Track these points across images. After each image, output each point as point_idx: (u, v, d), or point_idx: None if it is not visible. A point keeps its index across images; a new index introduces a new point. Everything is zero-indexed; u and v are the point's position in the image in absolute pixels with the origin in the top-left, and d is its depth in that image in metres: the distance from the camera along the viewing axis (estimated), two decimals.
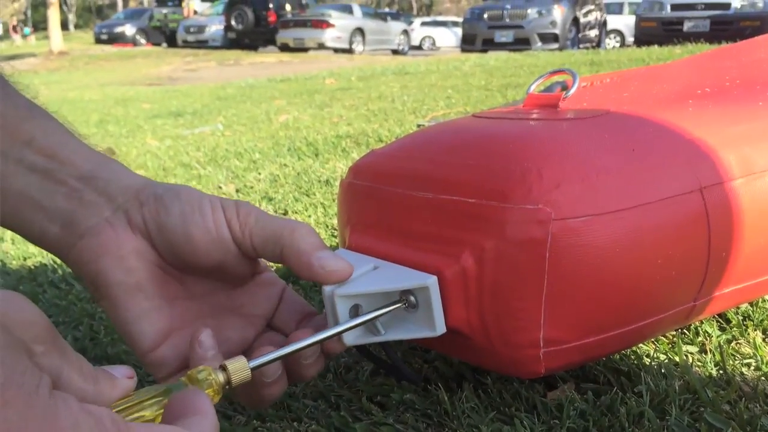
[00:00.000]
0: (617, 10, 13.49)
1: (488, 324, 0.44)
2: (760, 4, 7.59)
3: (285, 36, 12.11)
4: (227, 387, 0.36)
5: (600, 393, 0.50)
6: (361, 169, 0.52)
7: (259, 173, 1.57)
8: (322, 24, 11.83)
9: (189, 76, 8.01)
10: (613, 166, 0.45)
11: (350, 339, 0.44)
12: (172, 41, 15.10)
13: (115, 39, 16.38)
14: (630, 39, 11.66)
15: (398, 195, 0.48)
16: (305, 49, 11.83)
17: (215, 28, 13.79)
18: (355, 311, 0.44)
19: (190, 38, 14.02)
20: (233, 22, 13.18)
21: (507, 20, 8.94)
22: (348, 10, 12.71)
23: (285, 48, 12.07)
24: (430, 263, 0.45)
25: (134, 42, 16.23)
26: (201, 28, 14.02)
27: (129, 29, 16.69)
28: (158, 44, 15.76)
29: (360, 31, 12.34)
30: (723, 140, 0.50)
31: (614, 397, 0.49)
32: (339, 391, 0.56)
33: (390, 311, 0.43)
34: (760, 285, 0.54)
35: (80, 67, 10.49)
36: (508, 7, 8.97)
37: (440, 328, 0.43)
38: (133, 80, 7.46)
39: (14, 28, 21.22)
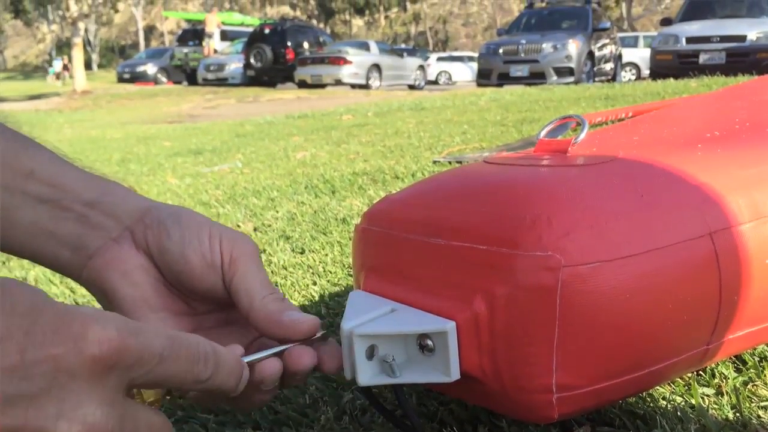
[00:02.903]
0: (632, 43, 13.56)
1: (501, 369, 0.45)
2: None
3: (303, 73, 12.30)
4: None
5: None
6: (375, 215, 0.54)
7: (277, 211, 1.59)
8: (339, 61, 12.01)
9: (209, 113, 8.14)
10: (622, 212, 0.46)
11: (365, 379, 0.44)
12: (192, 79, 15.40)
13: (137, 78, 16.74)
14: (645, 72, 11.69)
15: (411, 241, 0.49)
16: (323, 86, 11.99)
17: (235, 66, 14.04)
18: (370, 352, 0.45)
19: (210, 76, 14.27)
20: (252, 60, 13.42)
21: (522, 55, 9.01)
22: (365, 47, 12.90)
23: (303, 84, 12.25)
24: (443, 309, 0.46)
25: (156, 81, 16.57)
26: (221, 66, 14.28)
27: (151, 68, 17.06)
28: (179, 82, 16.08)
29: (377, 67, 12.50)
30: (732, 184, 0.51)
31: None
32: None
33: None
34: None
35: (103, 106, 10.70)
36: (524, 42, 9.05)
37: (455, 374, 0.44)
38: (154, 118, 7.59)
39: (65, 67, 21.50)
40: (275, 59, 13.27)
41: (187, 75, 16.10)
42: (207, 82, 14.21)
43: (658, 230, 0.46)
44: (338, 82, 11.95)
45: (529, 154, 0.59)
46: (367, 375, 0.45)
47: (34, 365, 0.28)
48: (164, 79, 16.77)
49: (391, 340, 0.45)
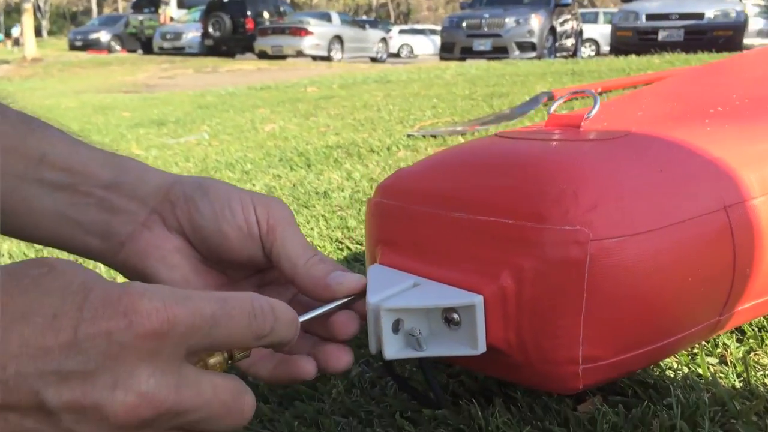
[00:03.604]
0: (592, 19, 13.69)
1: (527, 342, 0.45)
2: (733, 14, 7.75)
3: (263, 43, 12.09)
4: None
5: (630, 406, 0.51)
6: (390, 188, 0.53)
7: (254, 184, 1.57)
8: (300, 31, 11.83)
9: (166, 83, 7.96)
10: (643, 186, 0.46)
11: (391, 352, 0.44)
12: (148, 48, 15.00)
13: (89, 46, 16.22)
14: (605, 48, 11.83)
15: (432, 215, 0.49)
16: (283, 57, 11.81)
17: (192, 35, 13.73)
18: (395, 326, 0.45)
19: (167, 45, 13.93)
20: (210, 29, 13.13)
21: (485, 29, 9.02)
22: (326, 17, 12.73)
23: (263, 55, 12.05)
24: (468, 282, 0.45)
25: (109, 49, 16.09)
26: (177, 35, 13.94)
27: (104, 36, 16.55)
28: (134, 51, 15.63)
29: (338, 38, 12.36)
30: (743, 160, 0.52)
31: (645, 410, 0.50)
32: (367, 407, 0.57)
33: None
34: None
35: (54, 75, 10.35)
36: (486, 15, 9.06)
37: (482, 347, 0.44)
38: (109, 87, 7.38)
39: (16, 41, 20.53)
40: (234, 29, 13.01)
41: (142, 43, 15.66)
42: (163, 51, 13.86)
43: (677, 204, 0.47)
44: (299, 54, 11.79)
45: (541, 129, 0.59)
46: (393, 349, 0.44)
47: (87, 340, 0.28)
48: (118, 47, 16.28)
49: (416, 314, 0.45)
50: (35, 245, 1.13)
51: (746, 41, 8.11)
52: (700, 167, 0.50)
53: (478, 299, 0.44)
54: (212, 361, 0.34)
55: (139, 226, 0.42)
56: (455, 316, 0.45)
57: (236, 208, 0.42)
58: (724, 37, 7.45)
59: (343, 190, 1.35)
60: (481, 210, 0.46)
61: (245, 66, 10.38)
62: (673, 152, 0.51)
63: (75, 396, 0.28)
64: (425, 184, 0.51)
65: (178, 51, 13.71)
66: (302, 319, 0.40)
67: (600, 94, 2.36)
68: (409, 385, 0.54)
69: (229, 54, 12.96)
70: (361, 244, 1.01)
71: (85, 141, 0.44)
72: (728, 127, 0.57)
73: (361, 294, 0.44)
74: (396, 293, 0.46)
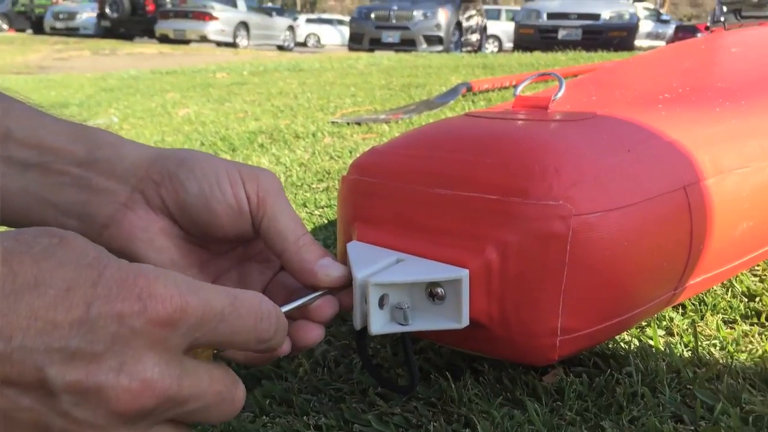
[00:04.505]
0: (495, 16, 14.06)
1: (508, 315, 0.46)
2: (627, 16, 8.18)
3: (164, 27, 11.66)
4: None
5: (593, 376, 0.54)
6: (367, 166, 0.53)
7: None
8: (204, 16, 11.49)
9: (61, 65, 7.53)
10: (616, 164, 0.49)
11: (377, 328, 0.44)
12: (38, 28, 14.13)
13: None
14: (507, 44, 12.20)
15: (413, 191, 0.49)
16: (186, 42, 11.44)
17: (87, 16, 13.07)
18: (381, 302, 0.45)
19: (60, 25, 13.19)
20: (107, 10, 12.53)
21: (393, 21, 9.10)
22: (231, 2, 12.41)
23: (164, 39, 11.62)
24: (451, 257, 0.46)
25: None
26: (71, 15, 13.23)
27: None
28: (23, 30, 14.69)
29: (244, 25, 12.10)
30: (697, 142, 0.55)
31: (608, 379, 0.52)
32: (335, 384, 0.57)
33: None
34: (719, 275, 0.60)
35: None
36: (395, 8, 9.13)
37: (465, 321, 0.45)
38: None
39: None
40: (133, 10, 12.47)
41: (32, 23, 14.73)
42: (55, 32, 13.11)
43: (645, 182, 0.50)
44: (203, 39, 11.45)
45: (510, 110, 0.61)
46: (379, 324, 0.45)
47: (99, 319, 0.27)
48: (5, 26, 15.24)
49: (400, 289, 0.46)
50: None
51: (636, 42, 8.59)
52: (662, 148, 0.53)
53: (464, 273, 0.45)
54: (200, 350, 0.33)
55: (120, 206, 0.40)
56: (440, 290, 0.45)
57: (225, 186, 0.40)
58: (618, 37, 7.85)
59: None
60: (465, 186, 0.47)
61: (146, 50, 9.98)
62: (638, 133, 0.54)
63: (78, 377, 0.27)
64: (405, 161, 0.51)
65: (72, 32, 13.00)
66: (285, 309, 0.39)
67: (509, 86, 2.43)
68: (376, 369, 0.54)
69: (128, 37, 12.43)
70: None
71: (48, 112, 0.42)
72: (680, 112, 0.60)
73: (345, 287, 0.44)
74: (382, 269, 0.46)
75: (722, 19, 1.62)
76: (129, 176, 0.40)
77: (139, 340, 0.28)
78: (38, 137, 0.39)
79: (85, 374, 0.27)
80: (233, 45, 11.62)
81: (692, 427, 0.47)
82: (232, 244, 0.44)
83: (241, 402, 0.33)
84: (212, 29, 11.47)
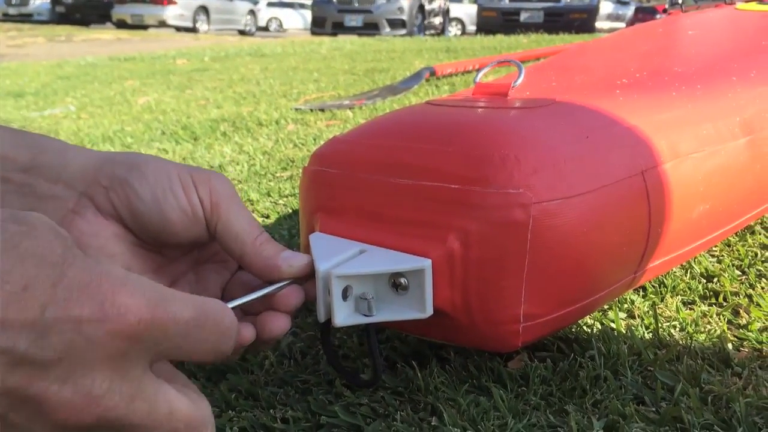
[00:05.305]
0: None
1: (471, 303, 0.46)
2: None
3: (121, 12, 11.40)
4: None
5: (557, 360, 0.54)
6: (328, 156, 0.53)
7: None
8: (162, 0, 11.26)
9: (15, 53, 7.32)
10: (575, 152, 0.49)
11: (341, 319, 0.44)
12: None
13: None
14: (471, 27, 12.20)
15: (374, 182, 0.49)
16: (144, 27, 11.21)
17: (41, 1, 12.70)
18: (344, 293, 0.45)
19: (12, 11, 12.80)
20: None
21: (356, 5, 9.03)
22: None
23: (122, 25, 11.37)
24: (414, 247, 0.46)
25: None
26: (24, 1, 12.84)
27: None
28: None
29: (204, 9, 11.88)
30: (654, 127, 0.56)
31: (572, 363, 0.53)
32: (302, 376, 0.56)
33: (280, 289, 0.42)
34: (678, 257, 0.61)
35: None
36: None
37: (429, 310, 0.45)
38: None
39: None
40: None
41: None
42: (8, 18, 12.73)
43: (603, 168, 0.50)
44: (162, 24, 11.23)
45: (469, 97, 0.61)
46: (343, 315, 0.45)
47: (54, 324, 0.26)
48: None
49: (363, 280, 0.45)
50: None
51: (597, 24, 8.67)
52: (620, 134, 0.54)
53: (427, 263, 0.45)
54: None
55: (68, 212, 0.39)
56: (403, 280, 0.45)
57: (178, 191, 0.39)
58: (579, 19, 7.92)
59: (238, 164, 1.32)
60: (426, 175, 0.47)
61: (103, 36, 9.76)
62: (596, 120, 0.54)
63: (20, 384, 0.25)
64: (365, 151, 0.51)
65: (26, 18, 12.64)
66: (250, 298, 0.39)
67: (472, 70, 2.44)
68: (341, 362, 0.54)
69: (84, 23, 12.13)
70: (267, 217, 0.99)
71: None
72: (637, 97, 0.61)
73: (310, 277, 0.43)
74: (345, 260, 0.46)
75: (680, 1, 1.64)
76: (76, 181, 0.39)
77: (94, 351, 0.26)
78: None
79: (27, 381, 0.26)
80: (193, 30, 11.42)
81: (653, 409, 0.48)
82: (187, 248, 0.43)
83: None
84: (171, 14, 11.25)
